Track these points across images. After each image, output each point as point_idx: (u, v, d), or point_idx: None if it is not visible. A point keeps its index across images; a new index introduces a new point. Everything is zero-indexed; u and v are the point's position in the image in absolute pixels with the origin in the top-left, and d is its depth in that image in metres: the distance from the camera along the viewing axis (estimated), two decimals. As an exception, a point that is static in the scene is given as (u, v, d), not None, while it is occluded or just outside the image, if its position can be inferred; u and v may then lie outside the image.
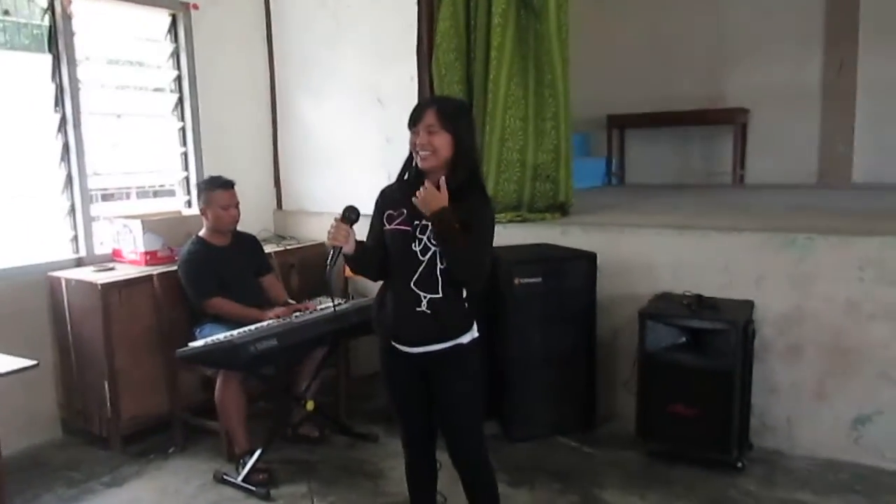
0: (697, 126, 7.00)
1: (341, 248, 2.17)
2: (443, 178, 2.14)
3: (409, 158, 2.26)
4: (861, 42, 6.26)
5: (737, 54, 6.74)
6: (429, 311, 2.19)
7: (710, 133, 7.03)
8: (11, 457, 3.33)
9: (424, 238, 2.19)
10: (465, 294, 2.24)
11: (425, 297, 2.19)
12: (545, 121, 3.86)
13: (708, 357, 3.08)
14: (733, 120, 6.67)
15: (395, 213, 2.24)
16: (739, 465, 3.11)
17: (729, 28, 6.79)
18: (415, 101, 3.99)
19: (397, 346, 2.28)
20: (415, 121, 2.19)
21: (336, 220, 2.20)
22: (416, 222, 2.20)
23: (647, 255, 3.55)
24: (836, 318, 3.13)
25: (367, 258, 2.27)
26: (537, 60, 3.83)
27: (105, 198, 4.19)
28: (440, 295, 2.19)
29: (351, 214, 2.22)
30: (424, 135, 2.16)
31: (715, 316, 3.10)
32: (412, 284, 2.19)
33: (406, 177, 2.28)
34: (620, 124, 7.23)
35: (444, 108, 2.21)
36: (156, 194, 4.46)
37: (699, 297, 3.25)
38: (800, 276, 3.20)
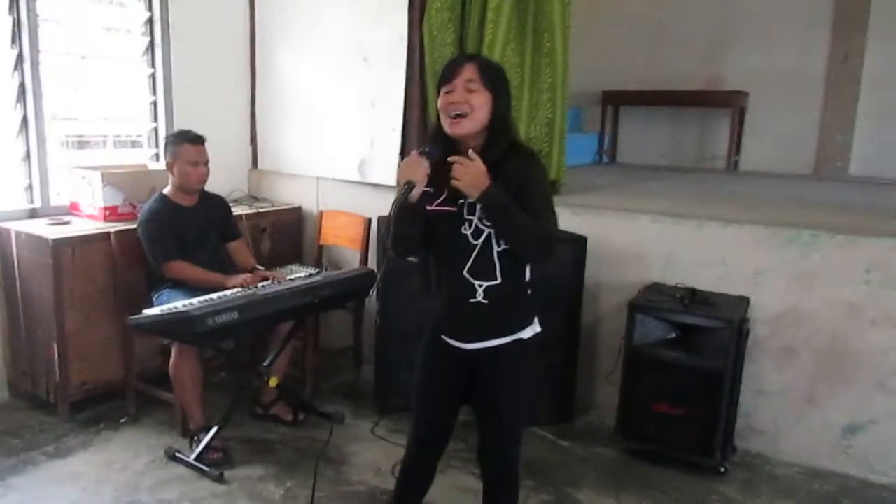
0: (694, 107, 6.77)
1: (414, 185, 1.85)
2: (470, 150, 1.86)
3: (437, 129, 1.97)
4: (870, 33, 6.04)
5: (740, 36, 6.49)
6: (486, 301, 1.93)
7: (706, 115, 6.79)
8: (-53, 418, 3.14)
9: (475, 219, 1.91)
10: (527, 278, 2.01)
11: (481, 286, 1.93)
12: (541, 92, 3.61)
13: (698, 355, 2.90)
14: (732, 103, 6.43)
15: (432, 192, 1.94)
16: (722, 469, 2.96)
17: (733, 8, 6.53)
18: (403, 62, 3.79)
19: (448, 340, 2.03)
20: (450, 76, 1.90)
21: (415, 153, 1.91)
22: (462, 200, 1.91)
23: (640, 243, 3.36)
24: (836, 321, 2.96)
25: (419, 220, 1.93)
26: (537, 25, 3.56)
27: (81, 145, 3.90)
28: (499, 281, 1.93)
29: (431, 152, 1.90)
30: (462, 91, 1.87)
31: (709, 312, 2.91)
32: (465, 272, 1.93)
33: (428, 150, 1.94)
34: (615, 101, 6.98)
35: (485, 64, 1.94)
36: (134, 145, 4.15)
37: (693, 290, 3.06)
38: (800, 275, 3.02)
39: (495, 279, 1.93)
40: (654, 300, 3.04)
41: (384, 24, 3.77)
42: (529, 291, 2.02)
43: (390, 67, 3.76)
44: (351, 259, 4.03)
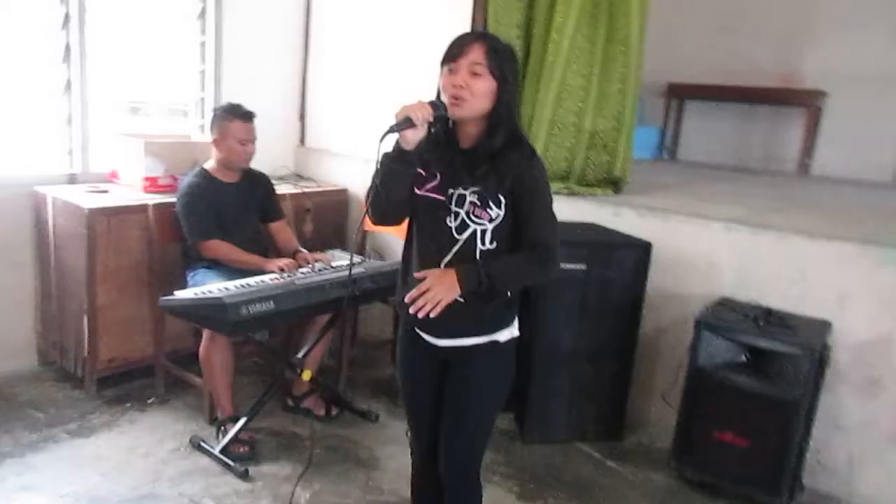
0: (766, 104, 6.38)
1: (413, 123, 1.65)
2: (415, 273, 1.72)
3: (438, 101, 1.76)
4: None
5: (821, 31, 6.08)
6: (462, 299, 1.74)
7: (778, 114, 6.41)
8: (-26, 384, 3.05)
9: (462, 212, 1.73)
10: None
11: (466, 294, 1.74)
12: (611, 83, 3.34)
13: (771, 382, 2.63)
14: (808, 102, 6.05)
15: (424, 174, 1.77)
16: (788, 509, 2.69)
17: (816, 1, 6.11)
18: (464, 42, 3.55)
19: (421, 333, 1.87)
20: (455, 54, 1.70)
21: (422, 101, 1.71)
22: (451, 191, 1.74)
23: (710, 252, 3.08)
24: (932, 354, 2.66)
25: (408, 176, 1.75)
26: (612, 10, 3.28)
27: (133, 111, 3.77)
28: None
29: (440, 105, 1.70)
30: (465, 74, 1.67)
31: (786, 336, 2.63)
32: (443, 265, 1.75)
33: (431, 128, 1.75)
34: (681, 94, 6.63)
35: (494, 46, 1.72)
36: (186, 115, 4.00)
37: (768, 310, 2.78)
38: (894, 300, 2.71)
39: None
40: (724, 318, 2.77)
41: (447, 3, 3.53)
42: (510, 293, 1.82)
43: (450, 47, 3.52)
44: (395, 247, 3.82)
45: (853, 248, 2.80)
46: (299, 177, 4.19)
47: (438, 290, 1.67)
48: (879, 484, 2.78)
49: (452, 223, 1.74)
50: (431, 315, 1.67)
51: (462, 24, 3.50)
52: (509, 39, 3.27)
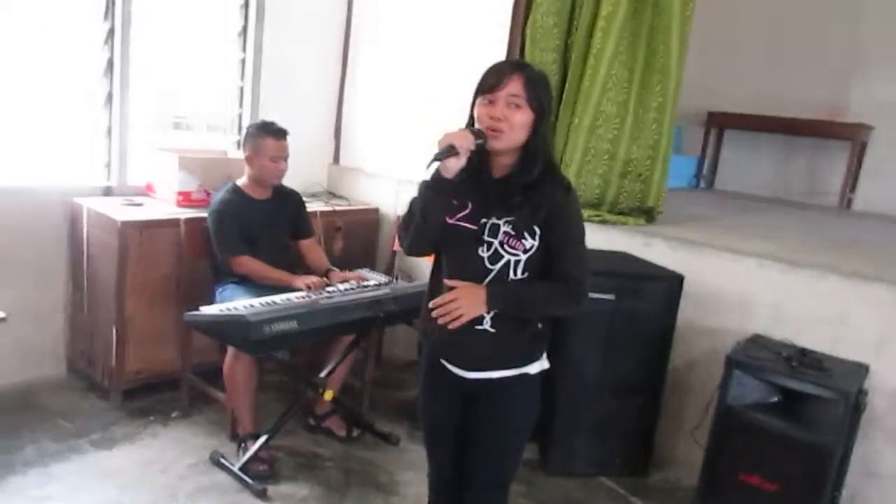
0: (807, 137, 6.24)
1: (456, 152, 1.63)
2: (445, 280, 1.71)
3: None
4: None
5: (866, 65, 5.94)
6: (493, 330, 1.74)
7: (820, 146, 6.26)
8: (5, 390, 3.11)
9: (496, 243, 1.71)
10: None
11: (490, 314, 1.73)
12: (648, 111, 3.30)
13: (803, 426, 2.53)
14: (852, 136, 5.89)
15: (456, 203, 1.75)
16: (817, 560, 2.58)
17: (864, 34, 5.98)
18: (501, 66, 3.54)
19: (448, 366, 1.84)
20: (493, 86, 1.69)
21: (463, 129, 1.71)
22: (484, 220, 1.73)
23: (743, 288, 3.00)
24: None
25: (446, 205, 1.73)
26: (651, 38, 3.25)
27: (176, 126, 3.84)
28: None
29: (482, 135, 1.68)
30: (503, 106, 1.66)
31: (821, 379, 2.53)
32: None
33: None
34: (721, 123, 6.53)
35: (533, 77, 1.72)
36: (224, 131, 4.06)
37: (802, 350, 2.69)
38: (935, 347, 2.61)
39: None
40: (756, 356, 2.68)
41: (484, 25, 3.53)
42: (540, 325, 1.80)
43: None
44: (425, 269, 3.79)
45: (893, 290, 2.70)
46: (332, 195, 4.21)
47: (464, 303, 1.67)
48: (916, 537, 2.67)
49: (485, 253, 1.72)
50: (449, 327, 1.67)
51: (499, 48, 3.50)
52: (545, 65, 3.30)
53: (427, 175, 1.71)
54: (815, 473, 2.50)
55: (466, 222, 1.75)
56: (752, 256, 3.00)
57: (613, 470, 3.04)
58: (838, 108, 6.02)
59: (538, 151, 1.72)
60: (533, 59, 3.34)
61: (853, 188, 6.01)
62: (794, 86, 6.16)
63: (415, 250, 1.83)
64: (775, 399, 2.63)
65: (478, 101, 1.73)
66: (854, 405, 2.49)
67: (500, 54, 3.48)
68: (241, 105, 3.95)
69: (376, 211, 4.11)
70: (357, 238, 3.97)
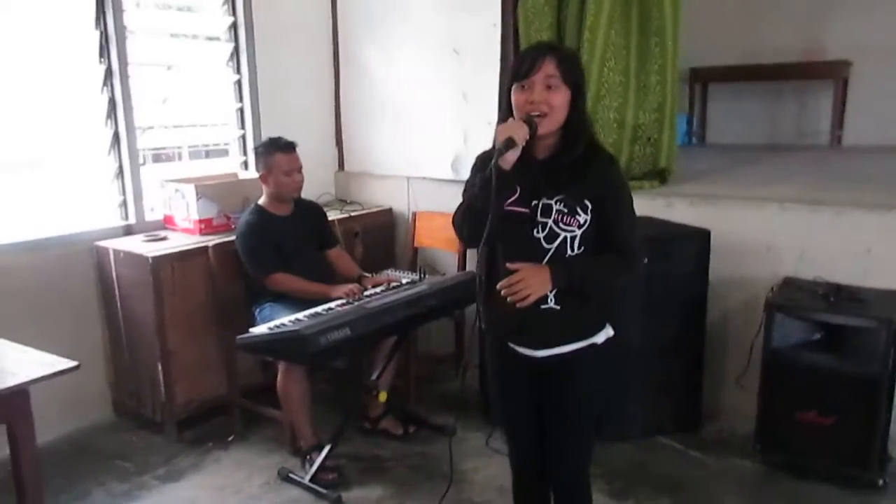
0: (790, 81, 6.33)
1: (515, 143, 1.65)
2: (507, 264, 1.73)
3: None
4: None
5: (841, 2, 6.03)
6: (558, 307, 1.79)
7: (804, 89, 6.35)
8: (58, 441, 3.13)
9: (549, 222, 1.76)
10: None
11: (552, 290, 1.77)
12: (649, 75, 3.35)
13: (849, 359, 2.62)
14: (834, 74, 5.98)
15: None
16: (880, 482, 2.67)
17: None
18: (496, 52, 3.56)
19: (516, 348, 1.89)
20: (528, 71, 1.73)
21: (515, 120, 1.73)
22: (535, 202, 1.78)
23: (768, 235, 3.07)
24: None
25: (504, 195, 1.75)
26: (643, 4, 3.30)
27: (155, 158, 3.85)
28: None
29: (532, 123, 1.70)
30: (542, 90, 1.71)
31: (860, 310, 2.62)
32: None
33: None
34: (704, 78, 6.59)
35: (565, 56, 1.77)
36: (208, 154, 4.11)
37: (837, 286, 2.77)
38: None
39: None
40: (794, 298, 2.76)
41: (476, 11, 3.56)
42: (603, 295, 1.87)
43: (483, 57, 3.56)
44: (446, 262, 3.86)
45: (916, 215, 2.78)
46: (343, 201, 4.24)
47: (532, 282, 1.70)
48: (969, 448, 2.76)
49: (540, 234, 1.77)
50: (518, 305, 1.70)
51: (491, 32, 3.53)
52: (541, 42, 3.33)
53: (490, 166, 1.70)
54: (867, 402, 2.59)
55: (517, 206, 1.79)
56: (774, 201, 3.07)
57: (667, 428, 3.11)
58: (815, 48, 6.10)
59: (580, 129, 1.77)
60: (528, 40, 3.38)
61: (841, 125, 6.09)
62: (769, 32, 6.23)
63: (477, 241, 1.86)
64: (818, 336, 2.72)
65: (514, 89, 1.77)
66: (895, 331, 2.57)
67: (494, 39, 3.52)
68: (242, 126, 3.96)
69: (390, 211, 4.15)
70: (375, 240, 4.00)
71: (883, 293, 2.76)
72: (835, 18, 6.03)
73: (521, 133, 1.67)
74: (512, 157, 1.68)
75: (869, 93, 5.99)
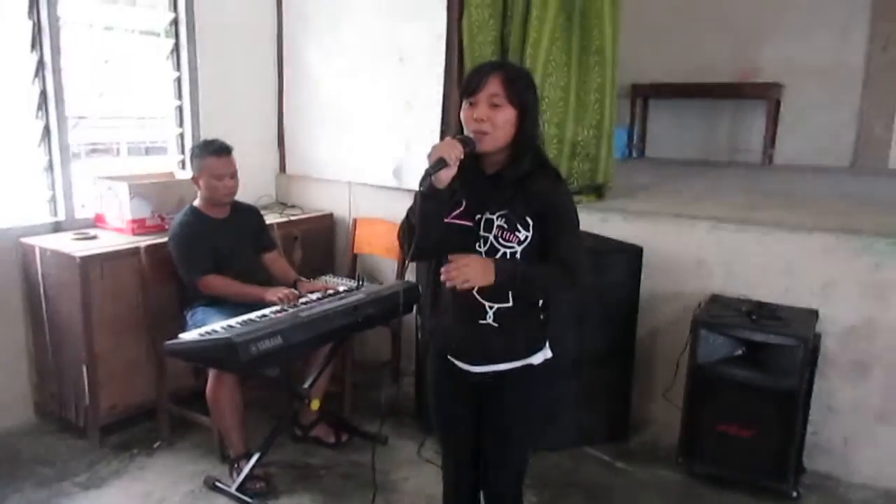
0: (727, 100, 6.56)
1: (447, 163, 1.67)
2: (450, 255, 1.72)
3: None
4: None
5: (774, 25, 6.27)
6: (496, 325, 1.81)
7: (739, 107, 6.60)
8: (-25, 444, 3.00)
9: (490, 237, 1.77)
10: (541, 302, 1.86)
11: (492, 308, 1.80)
12: (589, 92, 3.42)
13: (769, 374, 2.72)
14: (767, 95, 6.23)
15: (451, 202, 1.80)
16: (794, 494, 2.78)
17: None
18: (441, 63, 3.58)
19: (454, 361, 1.91)
20: (473, 89, 1.75)
21: (452, 137, 1.76)
22: (479, 216, 1.79)
23: (698, 251, 3.17)
24: (914, 335, 2.78)
25: (443, 213, 1.78)
26: (584, 21, 3.37)
27: (93, 153, 3.74)
28: (510, 304, 1.80)
29: (469, 142, 1.73)
30: (485, 107, 1.73)
31: (779, 328, 2.73)
32: (475, 291, 1.78)
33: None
34: (645, 94, 6.78)
35: (512, 76, 1.78)
36: (148, 151, 4.01)
37: (759, 303, 2.88)
38: (875, 285, 2.83)
39: (507, 301, 1.81)
40: (718, 315, 2.86)
41: (420, 21, 3.57)
42: (542, 316, 1.88)
43: (427, 67, 3.57)
44: (386, 269, 3.86)
45: (833, 238, 2.92)
46: (283, 205, 4.20)
47: (475, 267, 1.68)
48: (872, 460, 2.91)
49: (482, 248, 1.78)
50: (457, 288, 1.69)
51: (436, 42, 3.54)
52: (485, 57, 3.38)
53: (421, 184, 1.73)
54: (784, 415, 2.71)
55: (462, 219, 1.81)
56: (705, 220, 3.17)
57: (596, 438, 3.18)
58: (752, 69, 6.34)
59: (526, 146, 1.79)
60: (472, 52, 3.41)
61: (773, 144, 6.34)
62: (707, 52, 6.46)
63: (419, 257, 1.87)
64: (740, 352, 2.82)
65: (463, 105, 1.79)
66: (812, 348, 2.69)
67: (439, 49, 3.54)
68: (181, 124, 3.88)
69: (331, 216, 4.12)
70: (315, 245, 3.98)
71: (798, 310, 2.88)
72: (770, 41, 6.28)
73: (453, 152, 1.68)
74: (446, 176, 1.69)
75: (799, 114, 6.26)
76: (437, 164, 1.67)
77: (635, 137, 6.82)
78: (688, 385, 2.86)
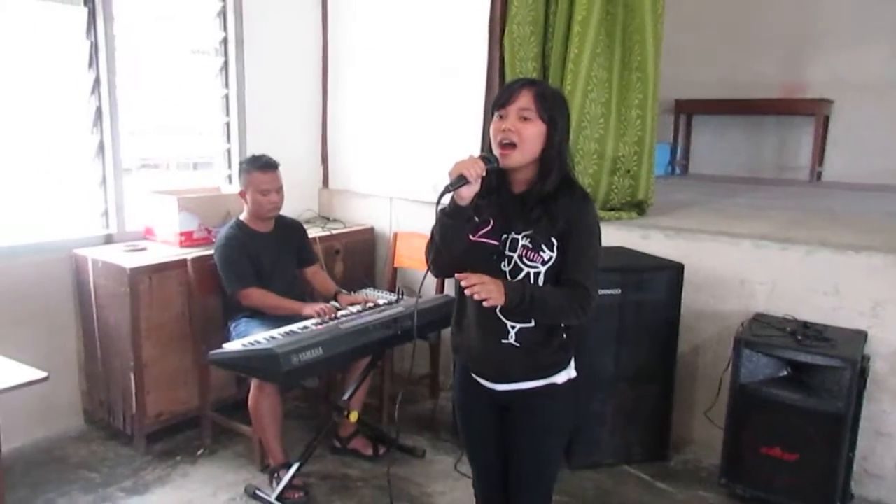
0: (773, 115, 6.46)
1: (467, 181, 1.67)
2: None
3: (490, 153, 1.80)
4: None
5: (824, 39, 6.17)
6: (518, 345, 1.81)
7: (786, 124, 6.49)
8: (24, 448, 3.12)
9: (515, 256, 1.78)
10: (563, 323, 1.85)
11: (514, 328, 1.80)
12: (630, 108, 3.42)
13: (815, 396, 2.66)
14: (815, 111, 6.12)
15: (477, 220, 1.80)
16: (841, 520, 2.71)
17: (817, 9, 6.21)
18: (483, 78, 3.62)
19: (478, 379, 1.92)
20: (504, 101, 1.76)
21: (473, 156, 1.75)
22: (505, 236, 1.80)
23: (741, 269, 3.13)
24: (968, 358, 2.69)
25: (465, 229, 1.78)
26: (626, 38, 3.38)
27: (143, 167, 3.87)
28: (532, 324, 1.80)
29: (491, 159, 1.74)
30: (514, 119, 1.73)
31: (826, 349, 2.66)
32: (498, 311, 1.78)
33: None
34: (688, 110, 6.72)
35: (544, 91, 1.78)
36: (196, 166, 4.13)
37: (804, 323, 2.82)
38: (927, 307, 2.75)
39: (530, 322, 1.80)
40: (762, 334, 2.80)
41: (463, 39, 3.61)
42: (565, 336, 1.85)
43: (469, 83, 3.61)
44: (426, 283, 3.87)
45: (882, 257, 2.84)
46: (325, 219, 4.26)
47: (491, 287, 1.67)
48: (929, 488, 2.81)
49: (506, 267, 1.78)
50: (475, 298, 1.67)
51: (478, 59, 3.58)
52: (526, 73, 3.40)
53: (445, 201, 1.74)
54: (831, 439, 2.63)
55: (489, 238, 1.81)
56: (748, 238, 3.12)
57: (636, 457, 3.14)
58: (798, 85, 6.24)
59: (553, 164, 1.78)
60: (513, 68, 3.44)
61: (821, 161, 6.22)
62: (754, 67, 6.38)
63: (442, 273, 1.89)
64: (785, 373, 2.76)
65: (493, 119, 1.80)
66: (860, 371, 2.62)
67: (481, 66, 3.57)
68: (228, 140, 3.98)
69: (371, 230, 4.17)
70: (356, 259, 4.03)
71: (847, 332, 2.81)
72: (817, 56, 6.18)
73: (475, 169, 1.68)
74: (467, 192, 1.69)
75: (849, 130, 6.12)
76: (458, 180, 1.68)
77: (678, 154, 6.76)
78: (730, 405, 2.81)
